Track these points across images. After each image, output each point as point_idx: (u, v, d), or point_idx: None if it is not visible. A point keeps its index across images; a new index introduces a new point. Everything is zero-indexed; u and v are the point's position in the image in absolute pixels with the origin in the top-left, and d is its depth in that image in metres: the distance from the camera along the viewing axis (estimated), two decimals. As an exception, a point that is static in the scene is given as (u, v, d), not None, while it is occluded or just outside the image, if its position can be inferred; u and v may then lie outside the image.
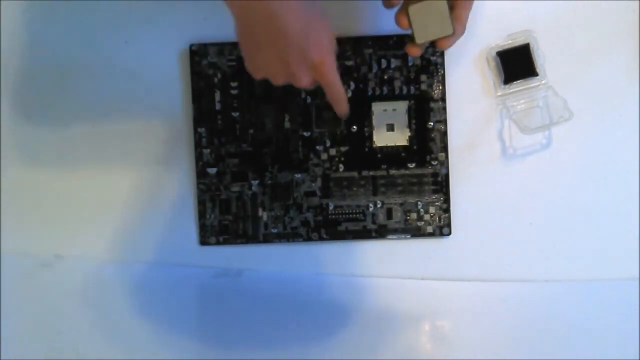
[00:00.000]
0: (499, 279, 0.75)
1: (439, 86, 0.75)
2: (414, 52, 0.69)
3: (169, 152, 0.76)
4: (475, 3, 0.67)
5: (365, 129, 0.75)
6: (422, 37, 0.66)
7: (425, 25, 0.66)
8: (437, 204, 0.75)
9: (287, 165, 0.75)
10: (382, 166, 0.75)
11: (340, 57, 0.75)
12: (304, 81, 0.60)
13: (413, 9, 0.65)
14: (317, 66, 0.59)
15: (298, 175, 0.75)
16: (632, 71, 0.75)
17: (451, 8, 0.66)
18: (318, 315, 0.75)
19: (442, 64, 0.75)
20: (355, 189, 0.75)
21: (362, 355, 0.73)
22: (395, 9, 0.67)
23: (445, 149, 0.75)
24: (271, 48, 0.58)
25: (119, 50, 0.76)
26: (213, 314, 0.75)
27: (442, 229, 0.75)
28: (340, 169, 0.75)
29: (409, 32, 0.67)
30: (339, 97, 0.64)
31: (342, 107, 0.65)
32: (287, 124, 0.75)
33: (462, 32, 0.67)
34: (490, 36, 0.74)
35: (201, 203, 0.75)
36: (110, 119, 0.76)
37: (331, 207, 0.75)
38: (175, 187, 0.76)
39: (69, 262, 0.76)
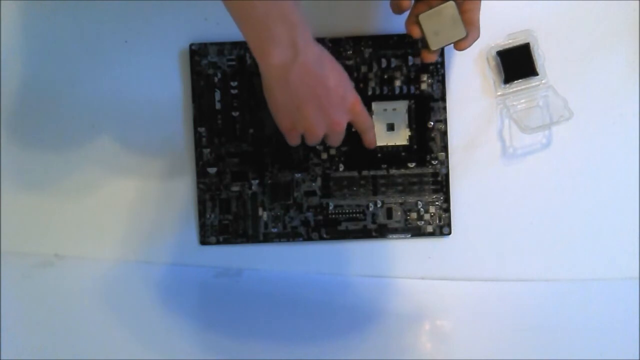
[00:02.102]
0: (499, 278, 0.75)
1: (439, 86, 0.75)
2: (430, 58, 0.69)
3: (169, 151, 0.76)
4: (476, 3, 0.67)
5: (366, 128, 0.75)
6: (437, 43, 0.67)
7: (438, 31, 0.66)
8: (437, 203, 0.75)
9: (287, 165, 0.75)
10: (382, 166, 0.75)
11: (341, 57, 0.75)
12: (343, 125, 0.66)
13: (423, 17, 0.66)
14: (353, 106, 0.66)
15: (298, 175, 0.75)
16: (632, 71, 0.75)
17: (461, 12, 0.66)
18: (318, 314, 0.75)
19: (442, 64, 0.75)
20: (355, 188, 0.75)
21: (362, 354, 0.73)
22: (403, 14, 0.68)
23: (445, 148, 0.75)
24: (313, 104, 0.63)
25: (119, 50, 0.76)
26: (213, 313, 0.75)
27: (442, 228, 0.75)
28: (341, 169, 0.75)
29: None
30: (370, 125, 0.69)
31: (372, 135, 0.70)
32: (287, 124, 0.75)
33: (478, 34, 0.68)
34: (491, 36, 0.75)
35: (201, 203, 0.75)
36: (110, 118, 0.76)
37: (331, 207, 0.75)
38: (175, 186, 0.76)
39: (69, 262, 0.76)
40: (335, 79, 0.64)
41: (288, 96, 0.63)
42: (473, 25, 0.67)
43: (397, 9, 0.67)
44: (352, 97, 0.66)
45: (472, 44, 0.68)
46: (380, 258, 0.76)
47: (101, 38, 0.76)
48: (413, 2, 0.67)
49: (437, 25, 0.66)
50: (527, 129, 0.73)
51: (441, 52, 0.74)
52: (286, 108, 0.64)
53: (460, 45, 0.67)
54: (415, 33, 0.67)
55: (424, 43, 0.67)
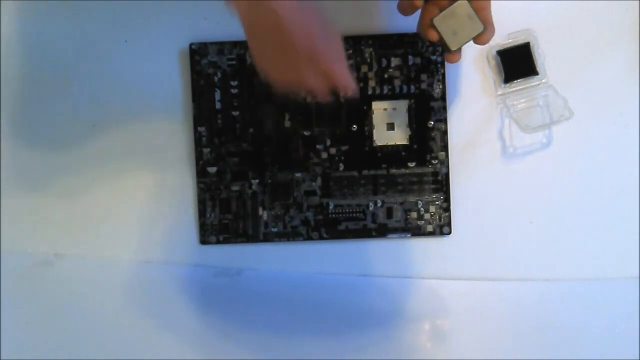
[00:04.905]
0: (499, 278, 0.75)
1: (439, 85, 0.75)
2: (453, 59, 0.68)
3: (169, 151, 0.76)
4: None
5: (366, 128, 0.75)
6: (456, 43, 0.66)
7: (455, 31, 0.66)
8: (437, 203, 0.75)
9: (287, 165, 0.75)
10: (382, 165, 0.75)
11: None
12: (317, 88, 0.61)
13: (438, 20, 0.65)
14: (327, 74, 0.60)
15: (298, 175, 0.75)
16: (632, 71, 0.76)
17: (475, 11, 0.66)
18: (318, 314, 0.75)
19: (443, 63, 0.75)
20: (355, 188, 0.75)
21: (362, 354, 0.73)
22: (412, 15, 0.67)
23: (445, 148, 0.75)
24: (280, 53, 0.59)
25: (119, 49, 0.76)
26: (213, 313, 0.75)
27: (442, 228, 0.75)
28: (341, 168, 0.75)
29: (415, 27, 0.67)
30: (351, 87, 0.62)
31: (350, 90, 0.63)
32: (287, 123, 0.75)
33: (494, 30, 0.67)
34: (491, 35, 0.75)
35: (201, 202, 0.75)
36: (110, 118, 0.76)
37: (331, 206, 0.75)
38: (175, 186, 0.76)
39: (69, 262, 0.76)
40: (303, 35, 0.58)
41: (256, 38, 0.59)
42: (487, 22, 0.66)
43: (409, 9, 0.66)
44: (327, 62, 0.60)
45: (490, 38, 0.67)
46: (380, 258, 0.76)
47: (101, 38, 0.76)
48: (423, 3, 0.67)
49: (453, 25, 0.66)
50: (527, 129, 0.73)
51: (441, 52, 0.74)
52: (257, 49, 0.60)
53: (480, 39, 0.67)
54: (433, 37, 0.66)
55: (443, 45, 0.67)
